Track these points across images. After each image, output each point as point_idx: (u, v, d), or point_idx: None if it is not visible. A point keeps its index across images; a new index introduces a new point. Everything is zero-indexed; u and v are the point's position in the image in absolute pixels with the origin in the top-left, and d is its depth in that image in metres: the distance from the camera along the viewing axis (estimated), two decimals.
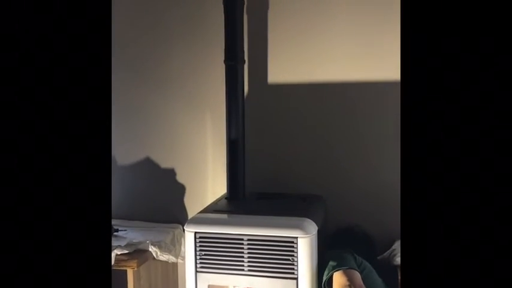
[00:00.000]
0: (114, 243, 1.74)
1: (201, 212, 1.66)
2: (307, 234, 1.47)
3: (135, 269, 1.69)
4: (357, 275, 1.44)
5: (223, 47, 1.74)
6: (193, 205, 2.00)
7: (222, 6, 1.74)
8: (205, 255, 1.54)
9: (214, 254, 1.53)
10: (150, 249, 1.77)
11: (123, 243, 1.75)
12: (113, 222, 1.93)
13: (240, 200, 1.76)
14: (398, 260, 1.63)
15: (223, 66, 1.75)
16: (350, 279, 1.41)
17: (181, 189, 2.04)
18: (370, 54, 1.83)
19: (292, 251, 1.47)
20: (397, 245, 1.72)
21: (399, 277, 1.54)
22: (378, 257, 1.75)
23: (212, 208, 1.70)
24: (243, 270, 1.51)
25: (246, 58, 1.81)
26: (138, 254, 1.74)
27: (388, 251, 1.72)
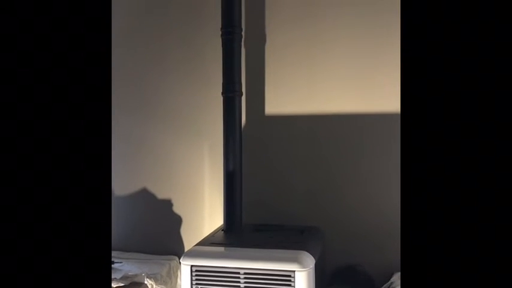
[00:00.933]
0: None
1: (198, 244, 1.65)
2: (304, 267, 1.45)
3: None
4: None
5: (221, 79, 1.77)
6: (190, 237, 1.98)
7: (220, 39, 1.77)
8: None
9: None
10: (145, 282, 1.75)
11: (118, 276, 1.72)
12: None
13: (237, 232, 1.75)
14: None
15: (221, 98, 1.77)
16: None
17: (178, 221, 2.03)
18: (368, 86, 1.86)
19: (290, 285, 1.45)
20: (395, 278, 1.71)
21: None
22: None
23: (209, 240, 1.68)
24: None
25: (243, 90, 1.83)
26: (134, 286, 1.72)
27: (386, 284, 1.70)
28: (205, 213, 2.01)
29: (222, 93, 1.76)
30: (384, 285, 1.70)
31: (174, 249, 2.00)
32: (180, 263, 1.58)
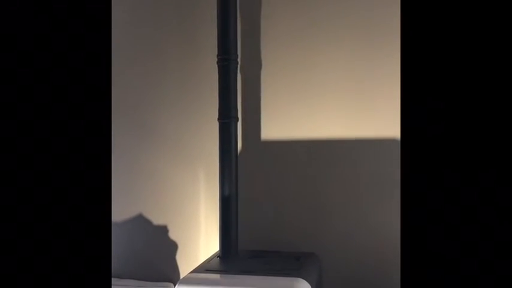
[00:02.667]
0: None
1: (193, 271, 1.63)
2: None
3: None
4: None
5: (217, 105, 1.78)
6: (186, 263, 1.96)
7: (216, 65, 1.79)
8: None
9: None
10: None
11: None
12: None
13: (233, 259, 1.74)
14: None
15: (217, 124, 1.77)
16: None
17: (173, 247, 2.01)
18: (366, 111, 1.86)
19: None
20: None
21: None
22: None
23: (204, 267, 1.67)
24: None
25: (239, 115, 1.84)
26: None
27: None
28: (201, 239, 1.99)
29: (218, 119, 1.77)
30: None
31: (169, 275, 1.98)
32: None
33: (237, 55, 1.80)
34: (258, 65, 1.95)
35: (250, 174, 1.93)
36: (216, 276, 1.60)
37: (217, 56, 1.78)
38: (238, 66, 1.84)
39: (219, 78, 1.77)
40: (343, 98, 1.88)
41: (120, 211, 2.05)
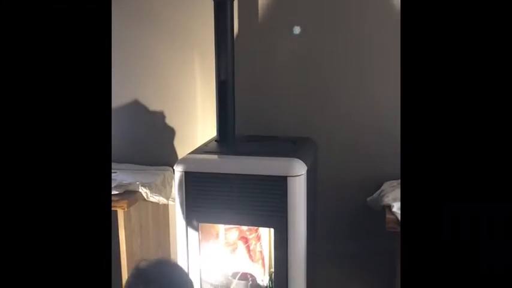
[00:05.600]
0: None
1: (191, 153, 1.66)
2: (296, 173, 1.47)
3: (126, 209, 1.70)
4: None
5: None
6: (183, 148, 1.98)
7: None
8: (195, 195, 1.54)
9: (205, 194, 1.54)
10: (140, 190, 1.77)
11: (112, 185, 1.74)
12: None
13: (230, 142, 1.75)
14: (386, 200, 1.64)
15: (212, 2, 1.68)
16: None
17: (170, 132, 2.02)
18: None
19: (282, 190, 1.48)
20: (386, 186, 1.74)
21: (386, 217, 1.56)
22: (368, 199, 1.77)
23: (202, 149, 1.69)
24: (233, 209, 1.53)
25: None
26: (128, 195, 1.74)
27: (377, 192, 1.74)
28: (198, 124, 1.99)
29: None
30: (375, 193, 1.74)
31: (167, 160, 2.00)
32: (174, 171, 1.59)
33: None
34: None
35: (247, 58, 1.87)
36: (214, 156, 1.62)
37: None
38: None
39: None
40: None
41: (116, 97, 2.00)
